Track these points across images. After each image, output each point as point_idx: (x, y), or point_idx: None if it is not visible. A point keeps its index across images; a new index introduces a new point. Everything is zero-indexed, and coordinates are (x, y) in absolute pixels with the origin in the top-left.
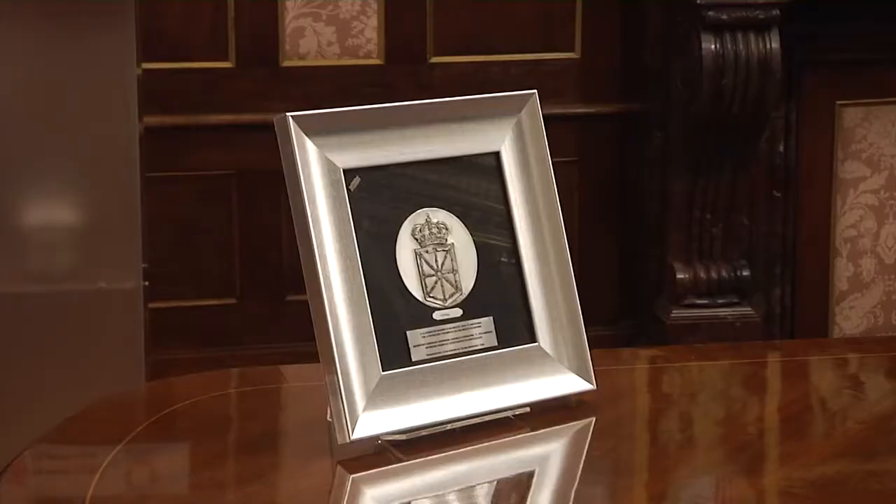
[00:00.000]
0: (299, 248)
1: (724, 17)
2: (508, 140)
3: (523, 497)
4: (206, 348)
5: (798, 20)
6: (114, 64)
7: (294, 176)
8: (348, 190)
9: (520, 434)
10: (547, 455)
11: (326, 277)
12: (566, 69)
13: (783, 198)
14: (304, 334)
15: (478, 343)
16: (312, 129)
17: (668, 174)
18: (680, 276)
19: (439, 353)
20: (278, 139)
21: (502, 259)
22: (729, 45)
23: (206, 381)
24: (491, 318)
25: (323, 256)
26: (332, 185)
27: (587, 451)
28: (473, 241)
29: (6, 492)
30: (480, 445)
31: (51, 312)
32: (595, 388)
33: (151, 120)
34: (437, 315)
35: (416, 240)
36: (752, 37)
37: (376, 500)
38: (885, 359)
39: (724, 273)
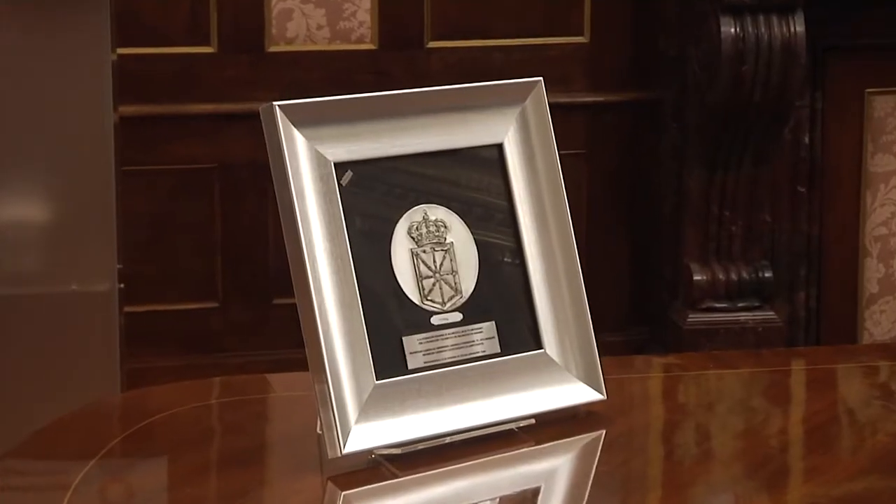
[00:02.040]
0: (287, 247)
1: None
2: (512, 131)
3: None
4: (186, 355)
5: (824, 1)
6: (86, 49)
7: (281, 170)
8: (339, 185)
9: (524, 448)
10: (553, 470)
11: (316, 279)
12: (574, 54)
13: (808, 193)
14: (292, 340)
15: (479, 350)
16: (301, 120)
17: (683, 168)
18: (697, 277)
19: (437, 360)
20: (264, 130)
21: (505, 259)
22: (750, 29)
23: (186, 390)
24: (493, 322)
25: (312, 257)
26: (322, 179)
27: (596, 466)
28: (474, 239)
29: None
30: (482, 460)
31: (19, 316)
32: (605, 398)
33: (127, 109)
34: (435, 320)
35: (413, 239)
36: (774, 19)
37: None
38: None
39: (744, 274)
